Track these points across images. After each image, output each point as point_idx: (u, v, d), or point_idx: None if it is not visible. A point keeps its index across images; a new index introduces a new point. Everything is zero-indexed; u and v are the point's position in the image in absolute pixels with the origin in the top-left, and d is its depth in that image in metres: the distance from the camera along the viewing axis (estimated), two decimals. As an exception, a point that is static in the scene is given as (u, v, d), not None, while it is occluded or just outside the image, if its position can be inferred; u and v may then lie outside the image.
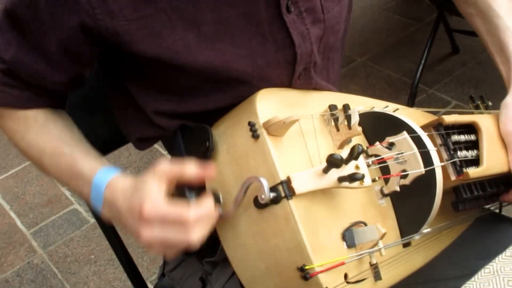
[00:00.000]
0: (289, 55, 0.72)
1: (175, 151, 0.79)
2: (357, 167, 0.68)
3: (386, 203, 0.76)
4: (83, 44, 0.68)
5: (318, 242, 0.66)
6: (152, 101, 0.75)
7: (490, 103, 0.93)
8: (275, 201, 0.65)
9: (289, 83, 0.75)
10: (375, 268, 0.70)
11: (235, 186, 0.69)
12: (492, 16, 0.88)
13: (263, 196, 0.64)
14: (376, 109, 0.80)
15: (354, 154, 0.65)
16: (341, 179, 0.66)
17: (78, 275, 1.77)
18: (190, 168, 0.64)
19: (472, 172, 0.75)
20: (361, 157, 0.68)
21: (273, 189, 0.65)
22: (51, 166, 0.75)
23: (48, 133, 0.76)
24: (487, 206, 0.89)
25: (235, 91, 0.73)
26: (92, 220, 1.93)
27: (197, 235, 0.62)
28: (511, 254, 0.65)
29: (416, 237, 0.75)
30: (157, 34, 0.66)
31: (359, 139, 0.78)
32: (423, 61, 2.25)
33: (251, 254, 0.68)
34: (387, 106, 0.81)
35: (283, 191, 0.65)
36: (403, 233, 0.76)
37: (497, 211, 0.93)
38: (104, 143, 0.85)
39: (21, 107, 0.76)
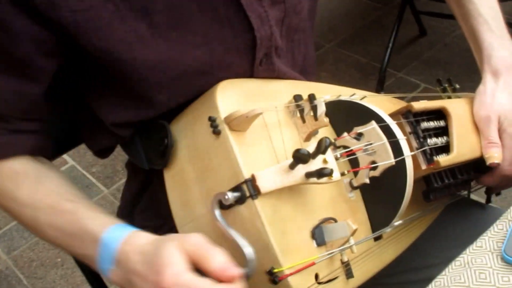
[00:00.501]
0: (249, 39, 0.68)
1: (133, 153, 0.75)
2: (325, 161, 0.65)
3: (356, 196, 0.73)
4: (39, 54, 0.63)
5: (287, 242, 0.62)
6: (111, 113, 0.70)
7: (457, 86, 0.91)
8: (240, 201, 0.62)
9: (250, 70, 0.71)
10: (346, 265, 0.68)
11: (196, 185, 0.65)
12: (465, 1, 0.86)
13: (226, 197, 0.61)
14: (343, 98, 0.76)
15: (321, 148, 0.62)
16: (308, 175, 0.63)
17: (45, 280, 1.71)
18: (218, 261, 0.56)
19: (443, 160, 0.72)
20: (329, 150, 0.65)
21: (237, 188, 0.62)
22: (49, 226, 0.66)
23: (43, 189, 0.68)
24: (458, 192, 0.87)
25: (195, 84, 0.68)
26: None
27: None
28: (481, 245, 0.63)
29: (388, 230, 0.72)
30: (107, 25, 0.61)
31: (326, 130, 0.75)
32: (390, 45, 2.23)
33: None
34: (354, 94, 0.78)
35: (248, 190, 0.61)
36: (374, 227, 0.73)
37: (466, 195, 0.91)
38: (58, 142, 0.79)
39: (3, 156, 0.68)
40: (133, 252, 0.59)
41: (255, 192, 0.61)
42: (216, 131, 0.64)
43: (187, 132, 0.68)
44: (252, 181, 0.61)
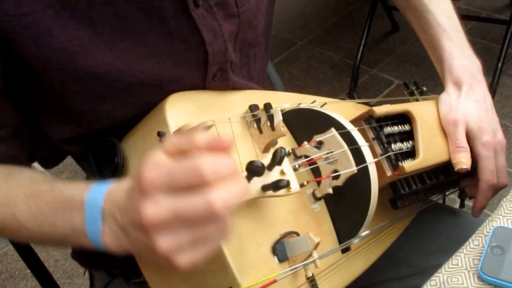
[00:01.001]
0: (200, 54, 0.65)
1: (86, 169, 0.71)
2: (282, 172, 0.61)
3: (320, 207, 0.70)
4: None
5: (245, 260, 0.59)
6: (55, 129, 0.66)
7: (424, 88, 0.88)
8: (193, 219, 0.58)
9: (202, 85, 0.68)
10: (311, 281, 0.65)
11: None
12: (422, 11, 0.84)
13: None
14: (303, 106, 0.73)
15: (276, 160, 0.59)
16: (265, 188, 0.60)
17: (14, 292, 1.67)
18: (200, 138, 0.46)
19: (408, 165, 0.69)
20: (287, 160, 0.62)
21: (190, 206, 0.58)
22: (28, 218, 0.58)
23: (16, 182, 0.61)
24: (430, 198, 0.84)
25: (143, 97, 0.65)
26: (29, 234, 1.82)
27: (222, 198, 0.44)
28: (457, 263, 0.60)
29: (355, 241, 0.69)
30: (46, 32, 0.57)
31: (287, 140, 0.71)
32: (363, 41, 2.21)
33: (173, 279, 0.61)
34: (314, 101, 0.75)
35: (201, 208, 0.58)
36: (341, 238, 0.70)
37: (441, 201, 0.89)
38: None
39: None
40: (118, 193, 0.52)
41: (209, 210, 0.57)
42: (166, 147, 0.60)
43: (138, 150, 0.64)
44: (205, 198, 0.58)
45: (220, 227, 0.45)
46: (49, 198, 0.58)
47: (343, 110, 0.79)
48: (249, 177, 0.59)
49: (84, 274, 0.90)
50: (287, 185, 0.58)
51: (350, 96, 2.19)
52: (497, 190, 0.79)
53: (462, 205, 0.89)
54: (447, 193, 0.87)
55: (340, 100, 0.83)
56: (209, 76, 0.67)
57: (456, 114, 0.77)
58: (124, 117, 0.66)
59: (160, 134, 0.61)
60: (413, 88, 0.89)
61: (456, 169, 0.74)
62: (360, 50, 2.20)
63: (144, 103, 0.65)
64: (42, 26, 0.57)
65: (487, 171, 0.76)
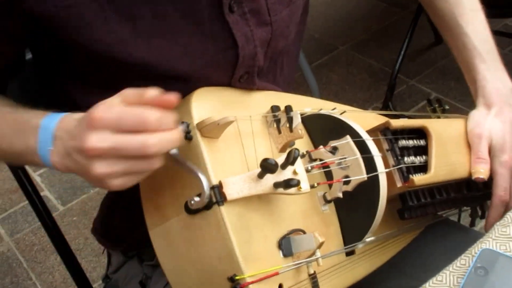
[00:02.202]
0: (231, 56, 0.69)
1: None
2: (294, 172, 0.65)
3: (330, 209, 0.73)
4: (11, 18, 0.63)
5: (251, 250, 0.63)
6: (87, 97, 0.72)
7: (447, 107, 0.91)
8: (207, 206, 0.62)
9: (228, 85, 0.72)
10: (313, 278, 0.68)
11: (167, 189, 0.66)
12: (459, 33, 0.87)
13: (192, 202, 0.62)
14: (323, 112, 0.77)
15: (290, 159, 0.63)
16: (276, 185, 0.63)
17: (44, 265, 1.74)
18: (151, 92, 0.55)
19: (418, 179, 0.72)
20: (300, 161, 0.66)
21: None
22: None
23: None
24: (441, 213, 0.87)
25: (172, 89, 0.69)
26: (61, 208, 1.91)
27: (158, 143, 0.53)
28: (442, 279, 0.62)
29: (359, 245, 0.72)
30: (88, 24, 0.62)
31: (303, 142, 0.75)
32: (403, 51, 2.21)
33: (183, 261, 0.66)
34: (334, 108, 0.78)
35: (214, 196, 0.62)
36: (346, 241, 0.73)
37: (452, 217, 0.91)
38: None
39: None
40: (69, 122, 0.59)
41: (222, 199, 0.62)
42: (188, 137, 0.64)
43: (163, 136, 0.69)
44: (219, 187, 0.62)
45: (149, 164, 0.55)
46: (10, 119, 0.66)
47: (362, 120, 0.82)
48: (262, 173, 0.63)
49: (103, 253, 0.96)
50: (297, 184, 0.62)
51: (385, 105, 2.20)
52: (509, 209, 0.82)
53: (472, 224, 0.90)
54: (463, 210, 0.89)
55: (361, 110, 0.86)
56: (236, 78, 0.71)
57: (482, 129, 0.81)
58: None
59: (183, 124, 0.65)
60: (436, 105, 0.91)
61: (473, 178, 0.79)
62: (400, 59, 2.20)
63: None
64: (85, 19, 0.62)
65: (501, 187, 0.80)
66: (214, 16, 0.66)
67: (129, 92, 0.56)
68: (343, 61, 2.51)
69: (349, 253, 0.74)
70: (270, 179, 0.63)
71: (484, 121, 0.82)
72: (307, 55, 2.05)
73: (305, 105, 0.78)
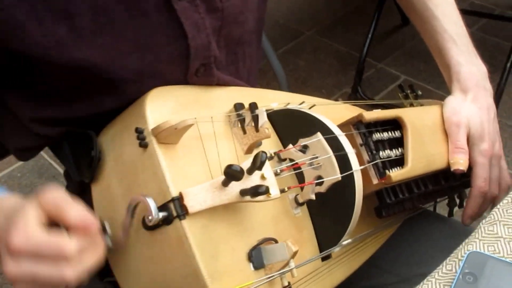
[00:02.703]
0: (182, 48, 0.63)
1: (64, 161, 0.69)
2: (262, 177, 0.59)
3: (302, 212, 0.68)
4: None
5: (218, 266, 0.57)
6: (28, 107, 0.65)
7: (419, 93, 0.86)
8: (167, 221, 0.56)
9: (185, 80, 0.66)
10: (287, 289, 0.63)
11: (123, 202, 0.60)
12: (428, 17, 0.83)
13: (149, 218, 0.55)
14: (291, 106, 0.71)
15: (256, 164, 0.57)
16: (243, 193, 0.58)
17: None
18: (75, 213, 0.52)
19: (395, 174, 0.67)
20: (268, 165, 0.60)
21: (163, 207, 0.56)
22: None
23: None
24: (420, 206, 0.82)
25: (123, 91, 0.63)
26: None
27: (75, 272, 0.51)
28: None
29: (336, 250, 0.67)
30: (20, 27, 0.55)
31: (272, 141, 0.69)
32: (370, 35, 2.17)
33: (143, 282, 0.60)
34: (303, 102, 0.72)
35: (175, 209, 0.56)
36: (321, 246, 0.68)
37: (430, 208, 0.87)
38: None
39: None
40: (6, 207, 0.56)
41: (183, 212, 0.56)
42: (143, 144, 0.58)
43: (115, 144, 0.62)
44: (179, 199, 0.56)
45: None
46: None
47: (333, 112, 0.77)
48: (227, 181, 0.57)
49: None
50: (265, 191, 0.56)
51: (354, 90, 2.16)
52: (487, 200, 0.78)
53: (450, 213, 0.87)
54: (438, 200, 0.85)
55: (332, 102, 0.80)
56: (191, 71, 0.65)
57: (460, 117, 0.77)
58: (104, 110, 0.64)
59: (138, 131, 0.59)
60: (408, 91, 0.86)
61: (452, 169, 0.74)
62: (367, 43, 2.16)
63: (123, 97, 0.63)
64: (17, 21, 0.55)
65: (481, 178, 0.76)
66: (161, 5, 0.60)
67: (50, 203, 0.52)
68: (309, 46, 2.46)
69: (325, 258, 0.69)
70: (236, 186, 0.58)
71: (461, 108, 0.78)
72: (272, 41, 1.99)
73: (272, 99, 0.73)
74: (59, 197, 0.52)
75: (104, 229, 0.59)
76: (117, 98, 0.63)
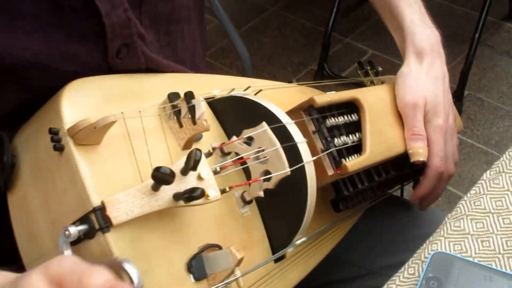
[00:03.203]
0: (97, 26, 0.54)
1: None
2: (199, 177, 0.52)
3: (251, 211, 0.61)
4: None
5: (152, 282, 0.50)
6: None
7: (380, 69, 0.79)
8: (89, 235, 0.49)
9: (106, 64, 0.58)
10: (235, 299, 0.56)
11: (41, 213, 0.52)
12: None
13: (67, 233, 0.48)
14: (235, 93, 0.64)
15: (190, 164, 0.50)
16: (177, 197, 0.50)
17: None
18: (101, 275, 0.38)
19: (352, 164, 0.60)
20: (205, 162, 0.53)
21: (84, 219, 0.49)
22: None
23: None
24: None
25: (33, 81, 0.55)
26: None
27: None
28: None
29: (289, 250, 0.61)
30: None
31: (214, 133, 0.62)
32: (335, 9, 2.09)
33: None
34: (248, 87, 0.65)
35: (97, 221, 0.48)
36: (274, 246, 0.61)
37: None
38: None
39: None
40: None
41: (106, 224, 0.48)
42: (58, 147, 0.50)
43: (29, 147, 0.54)
44: (102, 209, 0.48)
45: None
46: None
47: (286, 97, 0.70)
48: (156, 185, 0.50)
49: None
50: (201, 195, 0.49)
51: (321, 67, 2.09)
52: (444, 180, 0.72)
53: (401, 193, 0.80)
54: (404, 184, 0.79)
55: (284, 84, 0.73)
56: (112, 53, 0.57)
57: (416, 96, 0.69)
58: (13, 105, 0.56)
59: (52, 131, 0.51)
60: (368, 67, 0.79)
61: (411, 160, 0.67)
62: (332, 17, 2.09)
63: (35, 88, 0.55)
64: None
65: (437, 157, 0.68)
66: None
67: (61, 273, 0.39)
68: (274, 22, 2.37)
69: (279, 259, 0.62)
70: (168, 190, 0.51)
71: (417, 83, 0.70)
72: (234, 18, 1.90)
73: (215, 86, 0.65)
74: (74, 262, 0.40)
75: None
76: (21, 89, 0.55)
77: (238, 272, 0.54)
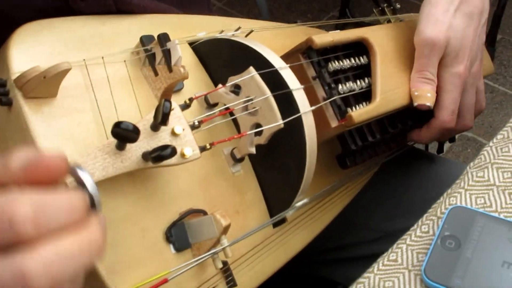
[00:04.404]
0: None
1: None
2: (173, 133, 0.44)
3: (244, 170, 0.53)
4: None
5: (122, 256, 0.43)
6: None
7: (398, 6, 0.69)
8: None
9: (67, 7, 0.50)
10: (225, 271, 0.49)
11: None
12: None
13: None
14: (223, 35, 0.55)
15: (158, 118, 0.42)
16: (145, 157, 0.43)
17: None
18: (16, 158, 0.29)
19: (358, 114, 0.52)
20: (181, 116, 0.45)
21: (39, 185, 0.42)
22: None
23: None
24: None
25: None
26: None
27: (47, 261, 0.27)
28: (395, 258, 0.43)
29: (289, 212, 0.53)
30: None
31: (201, 82, 0.54)
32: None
33: None
34: (238, 28, 0.56)
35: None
36: (271, 209, 0.54)
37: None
38: None
39: None
40: None
41: (64, 191, 0.41)
42: (5, 101, 0.43)
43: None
44: (58, 174, 0.41)
45: None
46: None
47: (285, 40, 0.61)
48: (120, 145, 0.42)
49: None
50: (171, 154, 0.41)
51: (342, 13, 1.96)
52: (450, 134, 0.63)
53: (440, 149, 0.71)
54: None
55: (282, 24, 0.64)
56: None
57: (438, 33, 0.56)
58: None
59: (0, 83, 0.44)
60: (384, 5, 0.69)
61: (415, 104, 0.56)
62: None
63: None
64: None
65: (447, 110, 0.57)
66: None
67: None
68: (293, -32, 2.24)
69: (278, 223, 0.55)
70: (136, 149, 0.43)
71: (444, 16, 0.57)
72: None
73: (202, 27, 0.57)
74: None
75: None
76: None
77: (225, 241, 0.47)
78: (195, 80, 0.54)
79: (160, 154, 0.41)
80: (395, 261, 0.42)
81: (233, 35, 0.55)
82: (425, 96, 0.55)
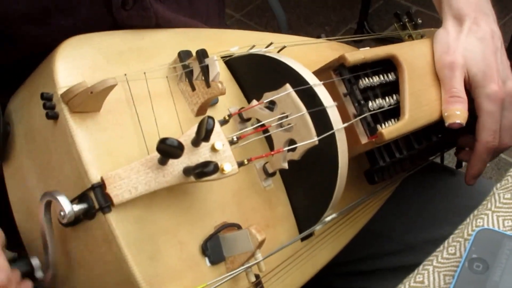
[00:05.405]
0: None
1: None
2: (213, 148, 0.45)
3: (275, 184, 0.54)
4: None
5: (160, 269, 0.44)
6: None
7: (420, 21, 0.70)
8: (88, 215, 0.43)
9: (111, 18, 0.51)
10: (257, 284, 0.50)
11: (38, 187, 0.47)
12: None
13: (62, 213, 0.42)
14: (256, 50, 0.56)
15: (201, 135, 0.43)
16: (187, 172, 0.44)
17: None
18: None
19: (389, 131, 0.53)
20: (220, 132, 0.46)
21: (83, 197, 0.43)
22: None
23: None
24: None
25: (28, 38, 0.48)
26: None
27: None
28: (422, 280, 0.43)
29: (317, 228, 0.54)
30: None
31: (233, 97, 0.55)
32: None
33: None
34: (271, 44, 0.57)
35: (96, 200, 0.42)
36: (300, 223, 0.55)
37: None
38: None
39: None
40: None
41: (107, 203, 0.42)
42: (51, 115, 0.44)
43: (23, 114, 0.49)
44: (102, 187, 0.42)
45: None
46: None
47: (314, 55, 0.62)
48: (162, 160, 0.43)
49: None
50: (214, 170, 0.43)
51: (360, 26, 1.97)
52: (498, 152, 0.63)
53: (459, 164, 0.72)
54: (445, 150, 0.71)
55: (312, 40, 0.65)
56: (116, 3, 0.50)
57: (454, 56, 0.59)
58: (6, 66, 0.50)
59: (45, 97, 0.45)
60: (406, 20, 0.71)
61: (446, 124, 0.57)
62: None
63: (28, 46, 0.49)
64: None
65: (489, 130, 0.59)
66: None
67: None
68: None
69: (306, 237, 0.56)
70: (178, 164, 0.44)
71: (455, 43, 0.60)
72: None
73: (234, 42, 0.58)
74: None
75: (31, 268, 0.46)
76: (13, 46, 0.49)
77: (259, 255, 0.48)
78: (228, 95, 0.54)
79: (204, 171, 0.42)
80: (421, 283, 0.42)
81: (266, 50, 0.56)
82: (455, 114, 0.56)
